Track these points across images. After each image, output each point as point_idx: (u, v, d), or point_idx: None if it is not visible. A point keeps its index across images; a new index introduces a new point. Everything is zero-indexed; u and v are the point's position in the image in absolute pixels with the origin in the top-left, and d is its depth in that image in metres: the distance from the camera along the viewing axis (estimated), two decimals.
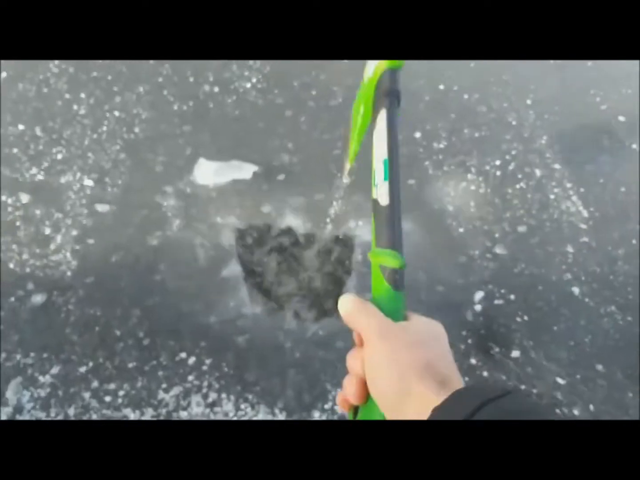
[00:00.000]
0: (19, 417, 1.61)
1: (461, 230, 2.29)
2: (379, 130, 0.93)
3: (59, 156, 2.27)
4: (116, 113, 2.46)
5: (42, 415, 1.63)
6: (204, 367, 1.77)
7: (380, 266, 0.74)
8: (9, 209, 2.09)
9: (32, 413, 1.63)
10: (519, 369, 1.88)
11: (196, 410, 1.68)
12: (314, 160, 2.43)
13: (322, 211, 2.26)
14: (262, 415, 1.69)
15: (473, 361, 1.90)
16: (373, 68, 1.04)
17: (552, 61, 3.26)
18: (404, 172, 2.47)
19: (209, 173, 2.30)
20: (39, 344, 1.77)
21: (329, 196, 2.31)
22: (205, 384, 1.74)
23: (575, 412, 1.78)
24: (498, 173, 2.56)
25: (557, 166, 2.65)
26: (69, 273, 1.95)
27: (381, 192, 0.87)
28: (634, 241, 2.34)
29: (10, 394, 1.65)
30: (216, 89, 2.65)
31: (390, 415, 0.57)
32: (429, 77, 2.97)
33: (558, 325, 2.02)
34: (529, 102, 2.97)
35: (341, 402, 0.64)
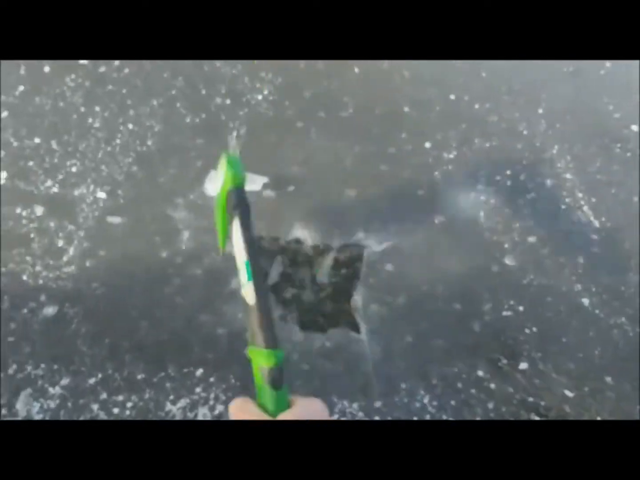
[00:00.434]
0: None
1: (469, 241, 2.29)
2: (235, 238, 1.01)
3: (74, 169, 2.32)
4: (130, 126, 2.50)
5: None
6: (212, 379, 1.79)
7: (260, 367, 0.82)
8: (24, 221, 2.14)
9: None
10: (527, 382, 1.87)
11: None
12: (324, 171, 2.45)
13: (331, 222, 2.27)
14: None
15: (480, 373, 1.89)
16: (221, 182, 1.14)
17: (564, 69, 3.25)
18: (414, 182, 2.47)
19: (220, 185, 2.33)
20: (50, 356, 1.80)
21: (339, 207, 2.33)
22: (212, 395, 1.76)
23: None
24: (508, 183, 2.56)
25: (568, 176, 2.63)
26: (80, 285, 1.98)
27: (247, 292, 0.92)
28: None
29: (20, 405, 1.68)
30: (228, 101, 2.69)
31: None
32: (439, 87, 2.97)
33: (567, 336, 2.01)
34: (540, 111, 2.96)
35: None
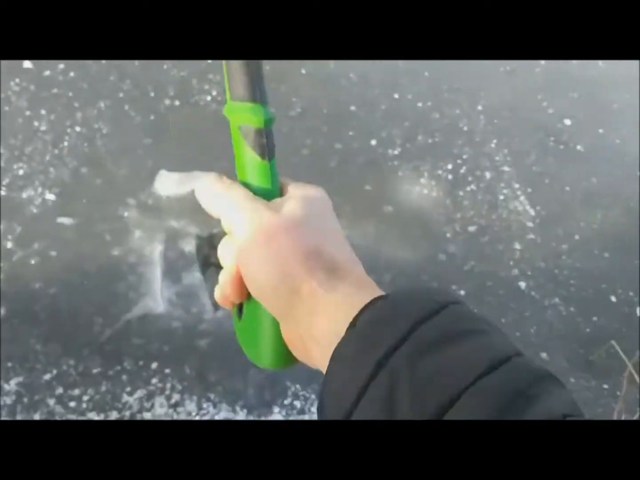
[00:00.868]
0: None
1: (414, 232, 2.39)
2: None
3: (20, 172, 2.31)
4: (77, 128, 2.51)
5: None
6: (167, 370, 1.83)
7: (241, 127, 0.56)
8: None
9: None
10: None
11: (159, 411, 1.75)
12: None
13: None
14: (224, 413, 1.76)
15: None
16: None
17: (501, 68, 3.41)
18: (361, 178, 2.57)
19: (170, 184, 2.37)
20: (4, 355, 1.81)
21: None
22: (169, 385, 1.80)
23: None
24: (450, 177, 2.68)
25: (506, 168, 2.77)
26: (32, 285, 1.99)
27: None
28: (577, 237, 2.48)
29: None
30: (177, 103, 2.72)
31: (279, 317, 0.46)
32: (384, 86, 3.08)
33: (506, 317, 2.13)
34: (479, 107, 3.10)
35: (221, 300, 0.50)
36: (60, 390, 1.75)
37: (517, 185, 2.69)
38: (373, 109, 2.96)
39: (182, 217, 2.26)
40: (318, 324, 0.41)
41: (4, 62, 2.66)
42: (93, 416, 1.71)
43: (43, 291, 1.98)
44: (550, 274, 2.31)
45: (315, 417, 0.54)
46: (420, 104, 3.05)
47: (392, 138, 2.82)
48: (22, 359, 1.80)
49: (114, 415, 1.71)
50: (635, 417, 1.74)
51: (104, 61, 2.79)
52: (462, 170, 2.72)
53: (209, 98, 2.77)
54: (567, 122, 3.12)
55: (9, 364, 1.79)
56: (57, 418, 1.69)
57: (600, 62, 3.48)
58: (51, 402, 1.72)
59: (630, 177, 2.81)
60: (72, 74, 2.71)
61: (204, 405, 1.77)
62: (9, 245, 2.09)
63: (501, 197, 2.62)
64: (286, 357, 0.50)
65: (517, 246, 2.40)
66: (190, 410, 1.76)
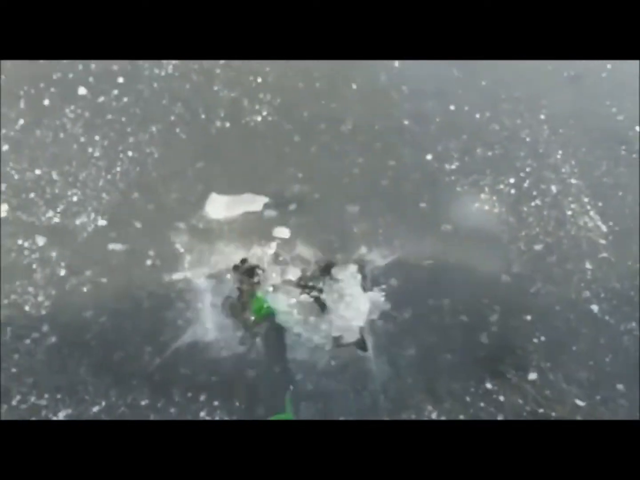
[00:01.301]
0: None
1: (475, 252, 2.25)
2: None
3: (74, 198, 2.33)
4: (130, 153, 2.52)
5: None
6: (215, 403, 1.77)
7: None
8: (25, 252, 2.15)
9: None
10: (537, 393, 1.82)
11: None
12: (325, 188, 2.44)
13: (334, 239, 2.26)
14: None
15: (489, 385, 1.85)
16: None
17: (564, 73, 3.22)
18: (416, 196, 2.45)
19: (220, 207, 2.33)
20: (53, 385, 1.80)
21: (340, 223, 2.31)
22: (217, 419, 1.73)
23: None
24: (512, 191, 2.52)
25: (573, 181, 2.60)
26: (84, 313, 1.98)
27: None
28: None
29: None
30: (227, 124, 2.70)
31: None
32: (438, 98, 2.96)
33: (577, 345, 1.96)
34: (542, 117, 2.93)
35: None
36: None
37: (586, 199, 2.51)
38: (427, 122, 2.84)
39: (232, 240, 2.22)
40: None
41: (60, 90, 2.72)
42: None
43: (93, 319, 1.96)
44: (626, 296, 2.12)
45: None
46: (478, 115, 2.91)
47: (448, 152, 2.70)
48: (71, 390, 1.78)
49: None
50: None
51: (156, 85, 2.81)
52: (526, 184, 2.56)
53: (259, 118, 2.73)
54: (638, 128, 2.91)
55: (58, 396, 1.77)
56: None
57: None
58: None
59: None
60: (125, 99, 2.73)
61: None
62: (62, 272, 2.10)
63: (569, 213, 2.44)
64: None
65: (589, 266, 2.22)
66: None
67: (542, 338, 1.97)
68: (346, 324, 2.01)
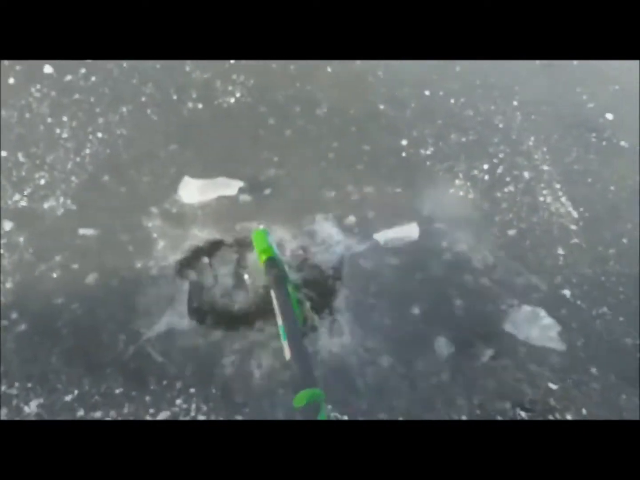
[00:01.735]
0: None
1: (450, 235, 2.26)
2: (274, 304, 1.28)
3: (42, 181, 2.26)
4: (99, 134, 2.45)
5: None
6: (192, 390, 1.74)
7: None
8: None
9: None
10: (510, 376, 1.85)
11: None
12: (301, 172, 2.41)
13: (310, 223, 2.24)
14: None
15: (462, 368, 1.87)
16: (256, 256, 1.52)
17: (537, 61, 3.25)
18: (390, 180, 2.45)
19: (194, 191, 2.28)
20: (24, 374, 1.75)
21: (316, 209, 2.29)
22: (194, 407, 1.71)
23: (569, 417, 1.75)
24: (486, 177, 2.54)
25: (545, 167, 2.63)
26: (54, 300, 1.93)
27: (284, 349, 1.16)
28: (624, 240, 2.32)
29: None
30: (200, 106, 2.64)
31: None
32: (414, 84, 2.95)
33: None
34: (515, 103, 2.96)
35: None
36: (81, 412, 1.68)
37: (558, 186, 2.54)
38: (403, 107, 2.83)
39: (207, 226, 2.18)
40: None
41: (25, 68, 2.62)
42: None
43: (65, 306, 1.91)
44: (597, 280, 2.16)
45: None
46: (452, 101, 2.92)
47: (423, 137, 2.70)
48: (42, 379, 1.73)
49: None
50: None
51: (125, 64, 2.73)
52: (499, 170, 2.58)
53: (232, 100, 2.69)
54: (609, 116, 2.96)
55: (29, 385, 1.72)
56: None
57: None
58: None
59: None
60: (93, 78, 2.65)
61: None
62: (31, 258, 2.03)
63: (541, 199, 2.47)
64: None
65: (561, 251, 2.25)
66: None
67: (514, 323, 1.99)
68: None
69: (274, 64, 2.88)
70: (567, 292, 2.11)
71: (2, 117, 2.44)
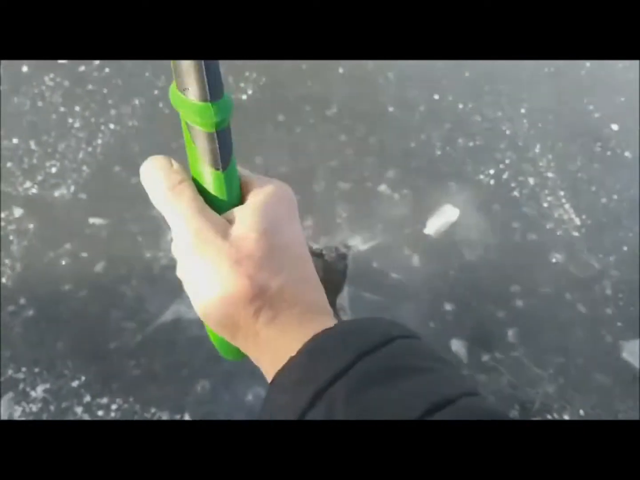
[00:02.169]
0: None
1: (456, 239, 2.29)
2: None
3: (53, 170, 2.28)
4: (111, 126, 2.47)
5: None
6: (199, 380, 1.77)
7: (189, 126, 0.45)
8: (2, 223, 2.09)
9: None
10: (511, 376, 1.88)
11: None
12: (310, 170, 2.44)
13: (317, 223, 2.26)
14: None
15: (465, 370, 1.90)
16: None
17: (545, 69, 3.28)
18: (397, 184, 2.47)
19: None
20: (31, 359, 1.77)
21: (325, 207, 2.32)
22: (199, 394, 1.74)
23: (566, 417, 1.78)
24: (492, 182, 2.57)
25: (550, 174, 2.65)
26: (62, 287, 1.95)
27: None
28: (625, 248, 2.35)
29: (2, 409, 1.64)
30: None
31: (226, 339, 0.43)
32: (423, 87, 2.98)
33: (551, 332, 2.02)
34: (522, 110, 2.99)
35: None
36: (88, 399, 1.70)
37: (562, 193, 2.57)
38: (412, 110, 2.86)
39: None
40: (262, 359, 0.40)
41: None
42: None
43: (72, 294, 1.93)
44: (598, 286, 2.20)
45: None
46: (461, 106, 2.94)
47: (431, 141, 2.72)
48: (49, 365, 1.76)
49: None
50: None
51: None
52: (505, 176, 2.61)
53: (244, 97, 2.71)
54: (614, 127, 2.99)
55: (36, 370, 1.74)
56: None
57: None
58: (79, 410, 1.67)
59: None
60: (107, 69, 2.67)
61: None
62: (40, 245, 2.05)
63: (545, 205, 2.50)
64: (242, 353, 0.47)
65: (563, 257, 2.28)
66: None
67: (518, 327, 2.02)
68: None
69: (286, 63, 2.91)
70: (568, 297, 2.15)
71: (15, 105, 2.46)
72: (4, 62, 2.58)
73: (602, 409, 1.84)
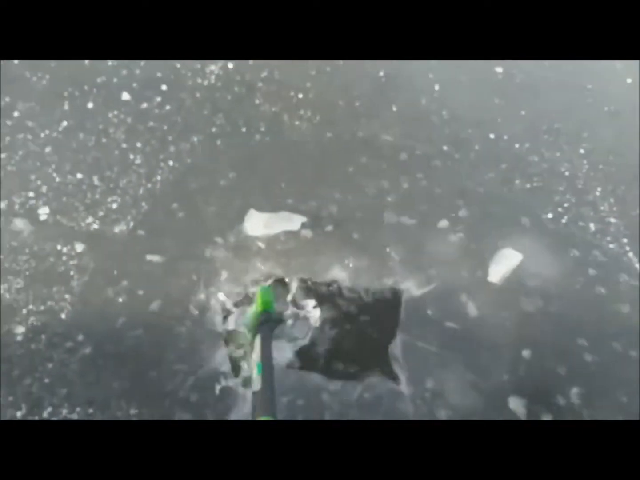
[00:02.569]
0: None
1: (512, 286, 2.23)
2: (256, 344, 1.49)
3: (114, 205, 2.33)
4: (170, 162, 2.52)
5: None
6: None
7: None
8: (64, 257, 2.15)
9: None
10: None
11: None
12: (363, 210, 2.43)
13: (370, 264, 2.25)
14: None
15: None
16: (254, 308, 1.70)
17: (605, 108, 3.20)
18: (454, 223, 2.43)
19: (259, 224, 2.32)
20: (87, 399, 1.79)
21: (377, 248, 2.30)
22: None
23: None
24: (551, 227, 2.50)
25: (612, 220, 2.57)
26: (118, 324, 1.98)
27: (255, 381, 1.34)
28: None
29: None
30: (267, 139, 2.69)
31: None
32: (478, 126, 2.94)
33: (616, 389, 1.94)
34: (582, 151, 2.91)
35: None
36: None
37: (625, 240, 2.48)
38: (467, 150, 2.82)
39: (269, 260, 2.21)
40: None
41: (104, 93, 2.73)
42: None
43: (129, 332, 1.96)
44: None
45: None
46: (517, 145, 2.89)
47: (487, 182, 2.67)
48: (103, 405, 1.78)
49: None
50: None
51: (198, 94, 2.81)
52: (564, 220, 2.53)
53: (298, 134, 2.73)
54: None
55: (90, 410, 1.76)
56: None
57: None
58: None
59: None
60: (167, 107, 2.73)
61: None
62: (99, 281, 2.10)
63: (608, 252, 2.41)
64: None
65: (627, 308, 2.19)
66: None
67: (579, 387, 1.95)
68: None
69: (341, 101, 2.92)
70: (633, 353, 2.05)
71: (80, 141, 2.54)
72: (70, 97, 2.68)
73: None
